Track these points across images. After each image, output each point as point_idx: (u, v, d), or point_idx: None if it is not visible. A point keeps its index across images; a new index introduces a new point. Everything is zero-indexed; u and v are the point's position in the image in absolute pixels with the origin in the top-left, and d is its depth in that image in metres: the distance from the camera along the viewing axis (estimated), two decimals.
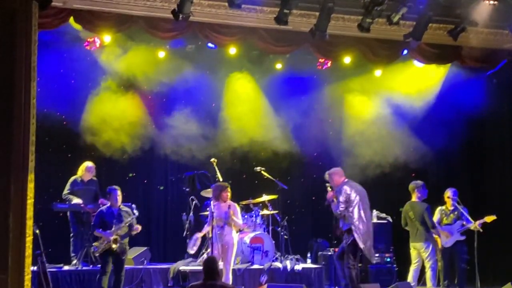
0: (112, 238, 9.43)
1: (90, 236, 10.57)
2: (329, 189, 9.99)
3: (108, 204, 9.76)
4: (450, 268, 10.72)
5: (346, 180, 9.84)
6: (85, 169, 11.08)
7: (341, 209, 9.58)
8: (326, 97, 13.34)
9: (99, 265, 9.85)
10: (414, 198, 10.36)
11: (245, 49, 11.46)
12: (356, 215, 9.54)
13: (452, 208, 10.70)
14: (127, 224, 9.64)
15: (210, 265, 6.77)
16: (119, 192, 9.67)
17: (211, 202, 9.90)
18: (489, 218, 10.74)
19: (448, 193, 10.66)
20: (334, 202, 9.74)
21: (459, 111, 12.61)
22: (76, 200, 10.82)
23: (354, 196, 9.62)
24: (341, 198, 9.63)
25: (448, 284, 10.67)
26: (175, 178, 12.39)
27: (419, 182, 10.47)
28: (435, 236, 10.35)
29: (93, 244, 9.66)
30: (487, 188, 12.95)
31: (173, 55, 12.36)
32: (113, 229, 9.49)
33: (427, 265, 10.07)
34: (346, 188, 9.67)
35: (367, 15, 9.60)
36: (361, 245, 9.51)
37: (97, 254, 9.62)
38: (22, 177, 7.68)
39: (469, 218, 10.66)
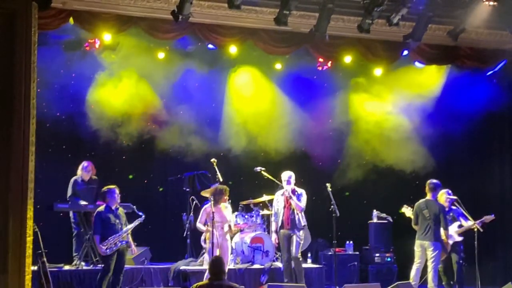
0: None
1: (90, 236, 10.61)
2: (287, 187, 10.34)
3: (105, 205, 9.64)
4: (450, 268, 10.73)
5: None
6: (82, 169, 11.09)
7: (303, 207, 10.26)
8: (326, 98, 13.34)
9: (102, 265, 9.83)
10: (429, 196, 10.30)
11: (245, 49, 11.47)
12: None
13: (447, 209, 10.71)
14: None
15: (217, 265, 6.79)
16: (117, 191, 9.64)
17: (211, 205, 9.87)
18: (488, 218, 10.76)
19: (445, 195, 10.63)
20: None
21: (459, 111, 12.60)
22: (82, 202, 10.81)
23: None
24: (305, 199, 10.29)
25: (450, 284, 10.68)
26: (174, 178, 12.40)
27: (437, 181, 10.41)
28: (444, 238, 10.31)
29: (103, 243, 9.43)
30: (487, 188, 12.93)
31: (173, 55, 12.37)
32: (122, 232, 9.51)
33: (430, 265, 10.03)
34: (304, 193, 10.38)
35: (367, 16, 9.62)
36: None
37: (109, 253, 9.44)
38: (22, 177, 7.71)
39: (468, 217, 10.66)
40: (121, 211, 9.73)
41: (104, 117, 11.94)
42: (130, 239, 9.80)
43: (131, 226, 9.69)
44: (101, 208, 9.61)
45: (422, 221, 10.18)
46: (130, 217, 9.91)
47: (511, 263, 12.33)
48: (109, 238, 9.42)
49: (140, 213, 9.83)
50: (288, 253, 10.24)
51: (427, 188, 10.34)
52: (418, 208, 10.25)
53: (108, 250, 9.40)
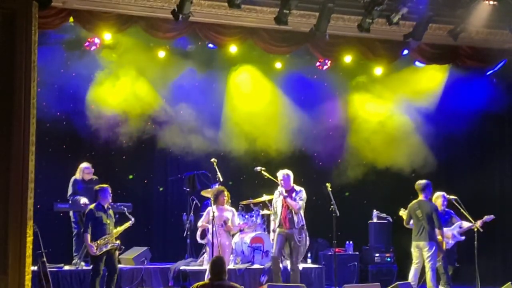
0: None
1: None
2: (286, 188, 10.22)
3: (96, 202, 9.53)
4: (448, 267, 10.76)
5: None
6: (82, 171, 11.05)
7: (300, 206, 10.09)
8: (326, 97, 13.34)
9: (91, 266, 9.67)
10: (421, 197, 10.28)
11: (245, 49, 11.47)
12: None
13: (444, 211, 10.71)
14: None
15: (218, 265, 6.75)
16: (110, 190, 9.58)
17: (211, 204, 9.91)
18: (488, 218, 10.76)
19: (440, 199, 10.62)
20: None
21: (459, 111, 12.61)
22: (84, 200, 10.78)
23: None
24: (303, 197, 10.15)
25: (449, 283, 10.68)
26: (174, 178, 12.39)
27: (426, 181, 10.41)
28: (439, 237, 10.30)
29: (94, 243, 9.34)
30: (487, 188, 12.93)
31: (174, 54, 12.37)
32: (113, 232, 9.48)
33: (428, 265, 10.01)
34: (303, 190, 10.23)
35: (367, 15, 9.62)
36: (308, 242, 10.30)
37: (98, 254, 9.35)
38: (22, 177, 7.70)
39: (466, 217, 10.67)
40: (111, 212, 9.68)
41: (104, 116, 11.93)
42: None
43: (121, 228, 9.64)
44: (92, 206, 9.52)
45: (415, 222, 10.19)
46: (120, 219, 9.90)
47: (511, 263, 12.33)
48: (101, 238, 9.37)
49: (130, 216, 9.81)
50: (279, 252, 10.12)
51: (417, 189, 10.35)
52: (411, 209, 10.26)
53: (97, 250, 9.34)
